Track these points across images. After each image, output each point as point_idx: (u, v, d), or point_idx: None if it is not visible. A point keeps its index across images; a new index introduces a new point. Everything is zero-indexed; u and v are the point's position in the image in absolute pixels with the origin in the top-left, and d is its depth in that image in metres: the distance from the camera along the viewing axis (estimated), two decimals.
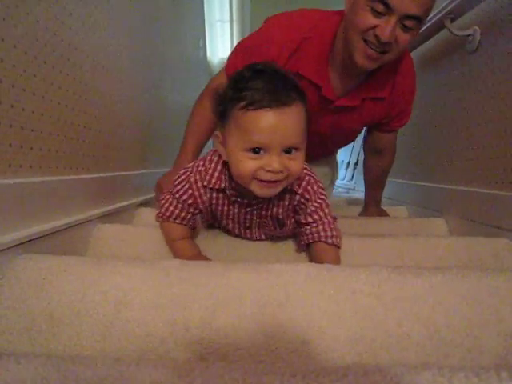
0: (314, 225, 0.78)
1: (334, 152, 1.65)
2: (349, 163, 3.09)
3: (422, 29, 1.04)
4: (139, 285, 0.59)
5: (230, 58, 1.12)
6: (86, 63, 0.92)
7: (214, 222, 0.91)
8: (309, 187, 0.76)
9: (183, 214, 0.80)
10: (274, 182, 0.66)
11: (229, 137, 0.67)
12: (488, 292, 0.58)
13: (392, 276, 0.60)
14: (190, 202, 0.78)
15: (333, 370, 0.40)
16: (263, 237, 0.88)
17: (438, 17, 1.28)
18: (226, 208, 0.81)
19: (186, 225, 0.82)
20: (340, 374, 0.40)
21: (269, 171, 0.64)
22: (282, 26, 1.05)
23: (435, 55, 1.51)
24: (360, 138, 1.49)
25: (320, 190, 0.78)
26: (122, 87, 1.19)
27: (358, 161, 2.93)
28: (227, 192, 0.77)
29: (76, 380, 0.39)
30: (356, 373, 0.40)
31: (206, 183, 0.76)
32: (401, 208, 1.58)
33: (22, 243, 0.65)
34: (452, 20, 1.25)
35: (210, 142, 1.09)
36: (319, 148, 1.32)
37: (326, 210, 0.79)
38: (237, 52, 1.11)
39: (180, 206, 0.79)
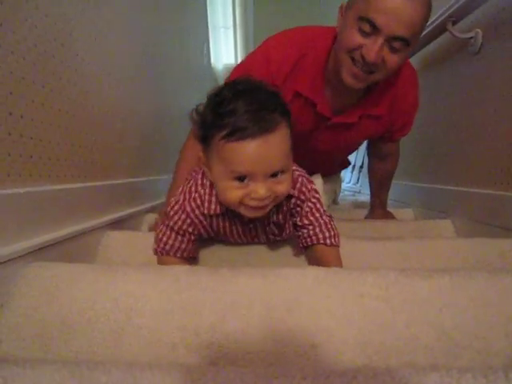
0: (311, 227, 0.77)
1: (338, 170, 1.65)
2: (354, 166, 3.08)
3: (424, 32, 1.04)
4: (150, 291, 0.60)
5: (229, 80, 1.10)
6: (87, 69, 0.91)
7: (216, 238, 0.87)
8: (303, 188, 0.76)
9: (184, 246, 0.77)
10: (262, 206, 0.65)
11: (212, 164, 0.66)
12: (496, 293, 0.58)
13: (399, 278, 0.60)
14: (190, 230, 0.76)
15: (342, 373, 0.41)
16: (269, 239, 0.87)
17: (439, 20, 1.28)
18: (228, 226, 0.79)
19: (186, 258, 0.79)
20: (350, 377, 0.40)
21: (255, 198, 0.63)
22: (280, 44, 1.05)
23: (438, 58, 1.52)
24: (364, 141, 1.49)
25: (313, 188, 0.77)
26: (126, 94, 1.19)
27: (363, 163, 2.92)
28: (228, 214, 0.76)
29: None
30: (365, 375, 0.40)
31: (205, 211, 0.73)
32: (407, 210, 1.58)
33: (32, 251, 0.65)
34: (454, 23, 1.25)
35: None
36: (321, 165, 1.32)
37: (321, 210, 0.78)
38: (236, 74, 1.06)
39: (179, 237, 0.76)
